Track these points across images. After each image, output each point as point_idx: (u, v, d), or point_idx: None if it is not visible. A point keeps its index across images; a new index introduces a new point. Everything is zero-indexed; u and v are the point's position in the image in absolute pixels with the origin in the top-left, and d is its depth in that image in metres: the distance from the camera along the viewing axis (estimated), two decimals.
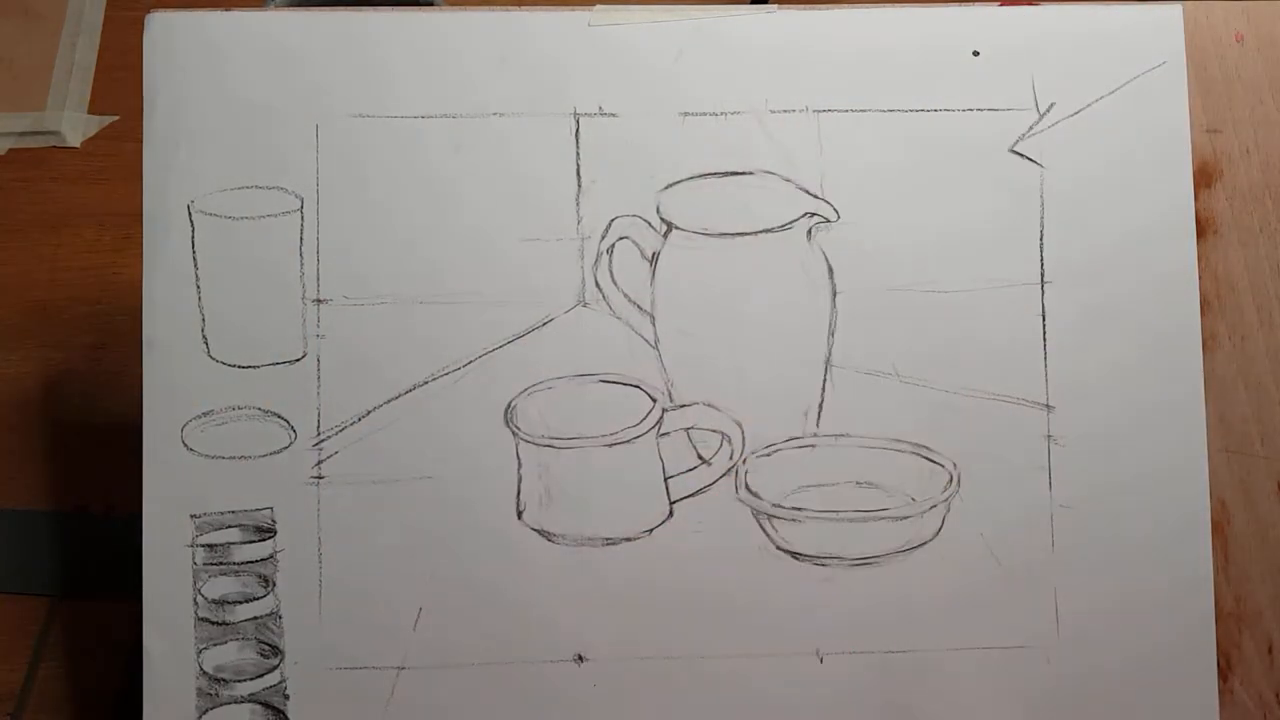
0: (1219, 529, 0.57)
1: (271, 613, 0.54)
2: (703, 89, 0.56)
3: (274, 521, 0.54)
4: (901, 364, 0.55)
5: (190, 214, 0.55)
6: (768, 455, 0.55)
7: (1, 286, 0.70)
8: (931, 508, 0.55)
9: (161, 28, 0.55)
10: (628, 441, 0.54)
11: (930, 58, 0.56)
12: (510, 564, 0.54)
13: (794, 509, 0.55)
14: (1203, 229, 0.58)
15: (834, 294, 0.55)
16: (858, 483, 0.55)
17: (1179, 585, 0.55)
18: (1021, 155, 0.56)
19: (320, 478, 0.54)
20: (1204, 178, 0.58)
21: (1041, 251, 0.56)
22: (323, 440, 0.55)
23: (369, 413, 0.55)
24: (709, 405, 0.55)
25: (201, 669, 0.54)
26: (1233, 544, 0.57)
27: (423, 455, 0.55)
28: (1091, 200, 0.56)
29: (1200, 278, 0.56)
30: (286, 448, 0.55)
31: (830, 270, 0.55)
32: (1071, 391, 0.55)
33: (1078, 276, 0.56)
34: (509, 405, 0.55)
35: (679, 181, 0.56)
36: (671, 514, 0.55)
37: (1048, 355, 0.55)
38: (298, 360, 0.55)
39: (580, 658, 0.54)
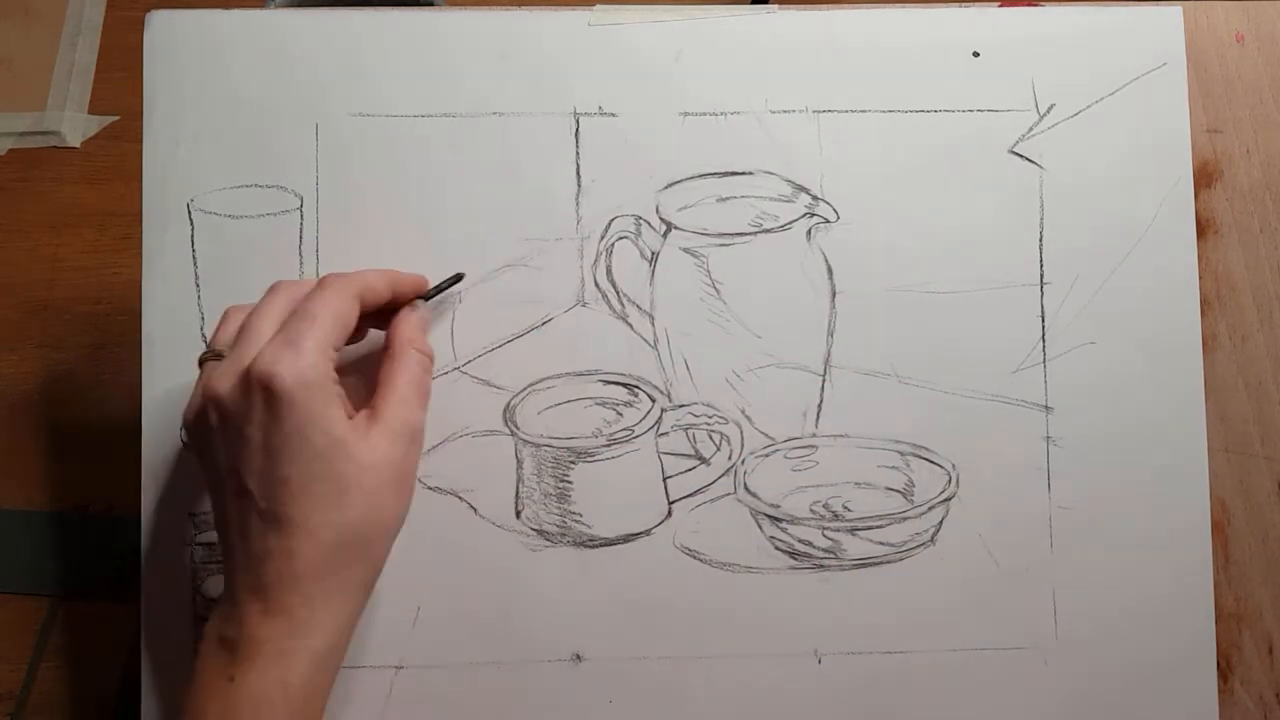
0: (1219, 529, 0.56)
1: None
2: (703, 89, 0.56)
3: None
4: (901, 364, 0.55)
5: (190, 212, 0.55)
6: (766, 455, 0.55)
7: (1, 286, 0.70)
8: (930, 508, 0.55)
9: (162, 27, 0.55)
10: (627, 441, 0.54)
11: (930, 58, 0.56)
12: (509, 563, 0.54)
13: (792, 509, 0.55)
14: (1203, 229, 0.57)
15: (833, 294, 0.55)
16: (856, 483, 0.55)
17: (1179, 586, 0.55)
18: (1021, 156, 0.56)
19: None
20: (1204, 178, 0.58)
21: (1041, 252, 0.56)
22: None
23: None
24: (708, 405, 0.55)
25: None
26: (1233, 544, 0.57)
27: (421, 455, 0.54)
28: (1091, 201, 0.56)
29: (1200, 278, 0.56)
30: None
31: (830, 270, 0.55)
32: (1071, 393, 0.55)
33: (1078, 277, 0.56)
34: (508, 405, 0.55)
35: (679, 181, 0.56)
36: (670, 514, 0.55)
37: (1047, 356, 0.55)
38: None
39: (578, 657, 0.54)
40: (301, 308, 0.48)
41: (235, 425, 0.46)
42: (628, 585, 0.54)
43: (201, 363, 0.49)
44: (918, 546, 0.55)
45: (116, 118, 0.73)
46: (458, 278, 0.54)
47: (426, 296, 0.53)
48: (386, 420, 0.47)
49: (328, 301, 0.48)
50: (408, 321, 0.51)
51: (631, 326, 0.56)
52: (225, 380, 0.46)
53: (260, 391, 0.45)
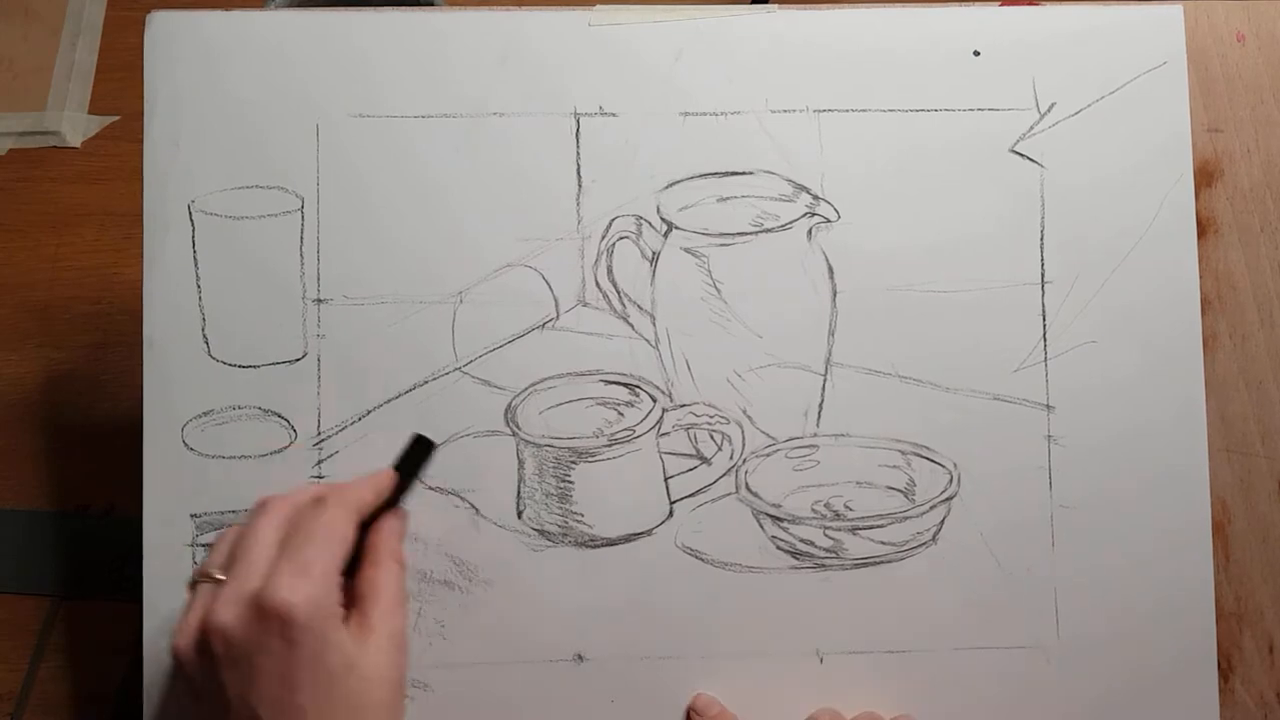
0: (1219, 529, 0.57)
1: None
2: (703, 89, 0.56)
3: None
4: (901, 364, 0.55)
5: (190, 213, 0.55)
6: (767, 455, 0.55)
7: (2, 286, 0.70)
8: (931, 508, 0.55)
9: (162, 27, 0.55)
10: (628, 441, 0.54)
11: (930, 58, 0.56)
12: (510, 563, 0.54)
13: (794, 509, 0.55)
14: (1203, 229, 0.58)
15: (834, 294, 0.55)
16: (858, 483, 0.55)
17: (1180, 585, 0.55)
18: (1022, 155, 0.56)
19: (320, 477, 0.54)
20: (1204, 178, 0.58)
21: (1041, 252, 0.56)
22: (323, 440, 0.55)
23: (369, 412, 0.55)
24: (709, 405, 0.55)
25: None
26: (1233, 544, 0.57)
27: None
28: (1092, 200, 0.56)
29: (1200, 278, 0.56)
30: (286, 447, 0.55)
31: (830, 270, 0.55)
32: (1071, 392, 0.55)
33: (1079, 276, 0.56)
34: (509, 405, 0.55)
35: (679, 181, 0.56)
36: (671, 514, 0.55)
37: (1048, 355, 0.55)
38: (298, 360, 0.55)
39: (579, 657, 0.54)
40: (305, 530, 0.47)
41: (245, 655, 0.45)
42: (629, 585, 0.54)
43: (193, 585, 0.48)
44: (919, 546, 0.55)
45: (116, 118, 0.73)
46: (425, 445, 0.52)
47: (399, 469, 0.52)
48: (380, 631, 0.47)
49: (330, 524, 0.47)
50: (388, 529, 0.50)
51: (632, 326, 0.56)
52: (230, 609, 0.45)
53: (274, 621, 0.44)
